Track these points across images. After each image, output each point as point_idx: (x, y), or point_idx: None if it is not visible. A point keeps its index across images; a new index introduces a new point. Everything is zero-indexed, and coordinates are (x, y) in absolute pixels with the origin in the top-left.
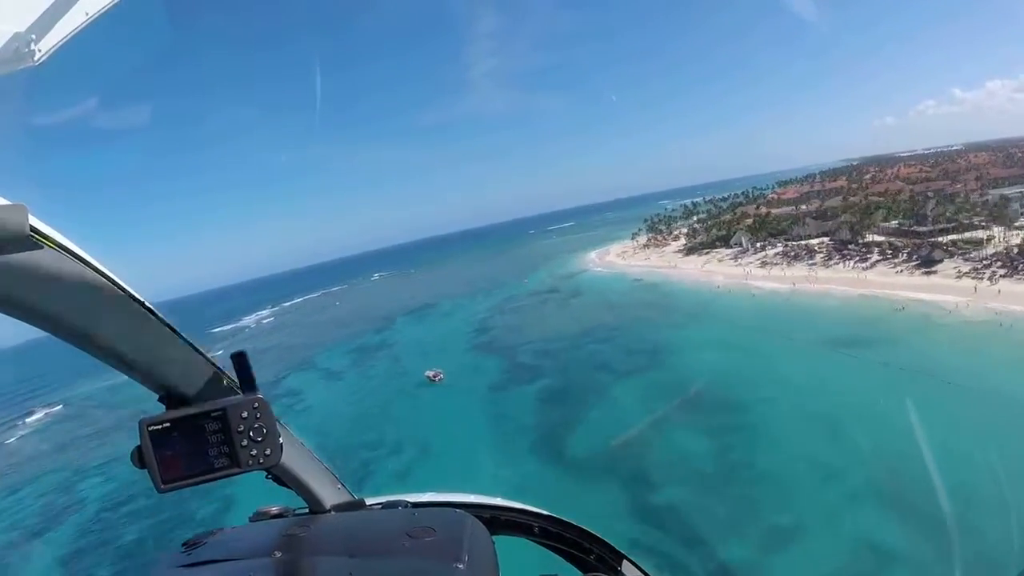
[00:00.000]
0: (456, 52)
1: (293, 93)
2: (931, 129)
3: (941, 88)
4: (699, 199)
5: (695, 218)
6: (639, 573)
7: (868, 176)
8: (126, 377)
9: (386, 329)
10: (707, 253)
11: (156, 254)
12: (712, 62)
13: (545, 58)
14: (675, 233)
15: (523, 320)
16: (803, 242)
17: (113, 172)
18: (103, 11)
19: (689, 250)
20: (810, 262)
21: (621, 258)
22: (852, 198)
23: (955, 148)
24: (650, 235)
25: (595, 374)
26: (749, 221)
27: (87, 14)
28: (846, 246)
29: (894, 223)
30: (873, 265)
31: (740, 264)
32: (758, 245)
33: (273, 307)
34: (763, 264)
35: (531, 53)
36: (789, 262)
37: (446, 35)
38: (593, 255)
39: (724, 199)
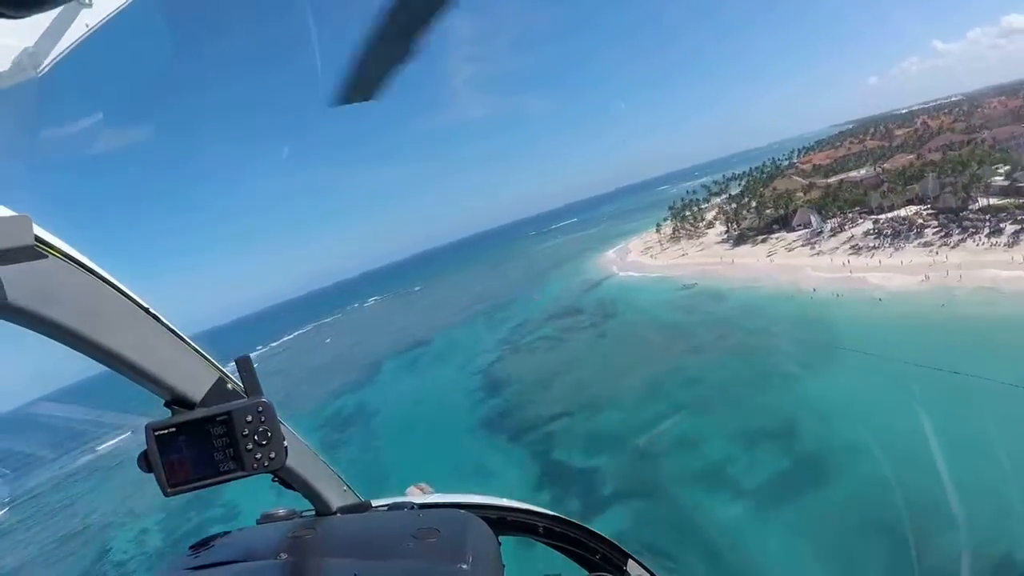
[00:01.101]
0: (434, 64)
1: (278, 120)
2: (917, 86)
3: (923, 43)
4: (705, 179)
5: (719, 199)
6: (644, 572)
7: (900, 132)
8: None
9: (367, 384)
10: (765, 240)
11: (149, 284)
12: (690, 42)
13: (523, 59)
14: (707, 219)
15: (545, 366)
16: (889, 215)
17: (113, 183)
18: (104, 22)
19: (738, 238)
20: (919, 241)
21: (649, 256)
22: (931, 154)
23: (955, 99)
24: (677, 223)
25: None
26: (805, 195)
27: (87, 26)
28: (957, 215)
29: (999, 180)
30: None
31: (820, 251)
32: (832, 224)
33: (262, 348)
34: (854, 249)
35: (509, 55)
36: (890, 243)
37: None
38: (611, 254)
39: (742, 175)
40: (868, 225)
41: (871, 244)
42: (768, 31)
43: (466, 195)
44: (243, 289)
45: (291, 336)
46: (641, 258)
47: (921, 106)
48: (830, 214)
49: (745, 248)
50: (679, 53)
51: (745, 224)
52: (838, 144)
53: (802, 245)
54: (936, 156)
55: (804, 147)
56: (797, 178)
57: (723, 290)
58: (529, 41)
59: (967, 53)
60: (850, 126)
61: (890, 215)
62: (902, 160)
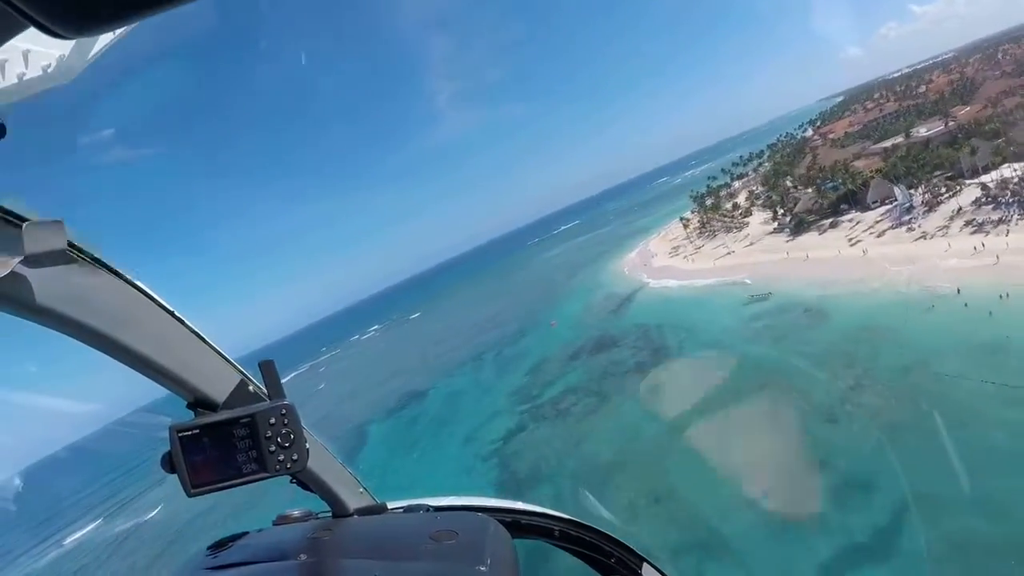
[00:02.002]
0: (415, 87)
1: (274, 159)
2: (898, 50)
3: (899, 8)
4: (707, 165)
5: (737, 183)
6: None
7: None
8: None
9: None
10: (835, 225)
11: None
12: (668, 39)
13: (502, 68)
14: (740, 206)
15: (584, 450)
16: (991, 177)
17: (133, 189)
18: (133, 29)
19: (796, 226)
20: None
21: (682, 257)
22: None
23: (947, 55)
24: (705, 214)
25: None
26: (863, 164)
27: (114, 33)
28: None
29: None
30: None
31: (924, 232)
32: (925, 197)
33: None
34: (974, 226)
35: (486, 67)
36: (1019, 213)
37: (402, 72)
38: (633, 257)
39: (752, 157)
40: (973, 193)
41: (992, 217)
42: (743, 18)
43: (461, 211)
44: (239, 326)
45: (285, 379)
46: (672, 260)
47: (910, 68)
48: (914, 183)
49: (811, 238)
50: (658, 50)
51: (800, 207)
52: (847, 112)
53: (893, 227)
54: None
55: (810, 120)
56: (827, 148)
57: (813, 300)
58: (506, 50)
59: (944, 12)
60: (840, 97)
61: (991, 177)
62: (971, 112)
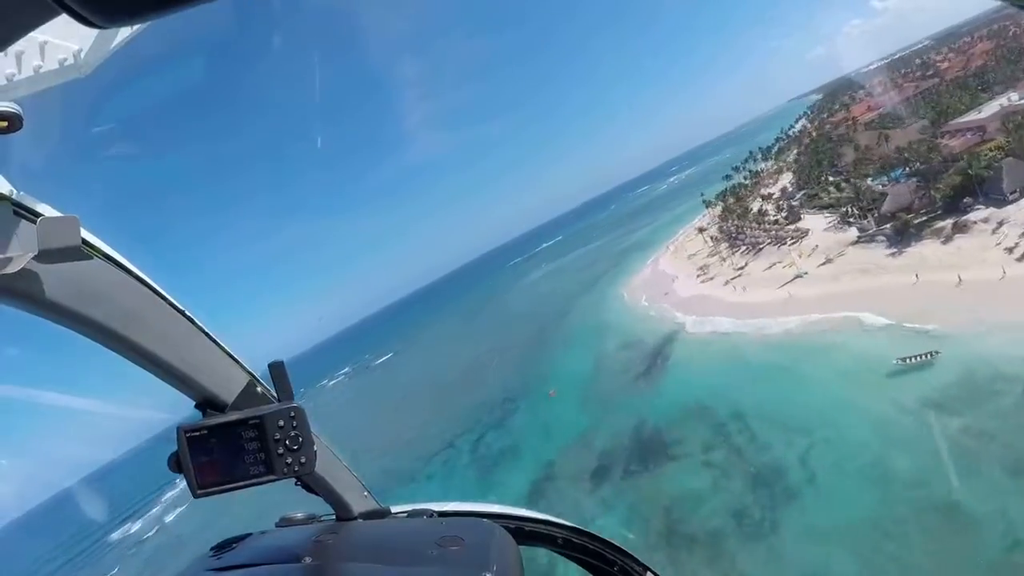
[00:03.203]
0: (386, 110)
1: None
2: (863, 46)
3: (862, 4)
4: (691, 170)
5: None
6: None
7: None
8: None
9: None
10: (965, 229)
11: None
12: (631, 51)
13: (470, 89)
14: (788, 207)
15: None
16: None
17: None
18: (150, 25)
19: (898, 231)
20: None
21: (722, 282)
22: None
23: (923, 44)
24: (736, 222)
25: None
26: (956, 141)
27: (132, 27)
28: None
29: None
30: None
31: None
32: None
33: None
34: None
35: (455, 88)
36: None
37: (370, 96)
38: (643, 281)
39: (769, 149)
40: None
41: None
42: (707, 25)
43: (433, 233)
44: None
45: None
46: (707, 287)
47: (882, 61)
48: None
49: (931, 248)
50: (626, 62)
51: (889, 205)
52: (846, 101)
53: None
54: None
55: (805, 113)
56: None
57: None
58: (473, 68)
59: (908, 5)
60: (818, 95)
61: None
62: None
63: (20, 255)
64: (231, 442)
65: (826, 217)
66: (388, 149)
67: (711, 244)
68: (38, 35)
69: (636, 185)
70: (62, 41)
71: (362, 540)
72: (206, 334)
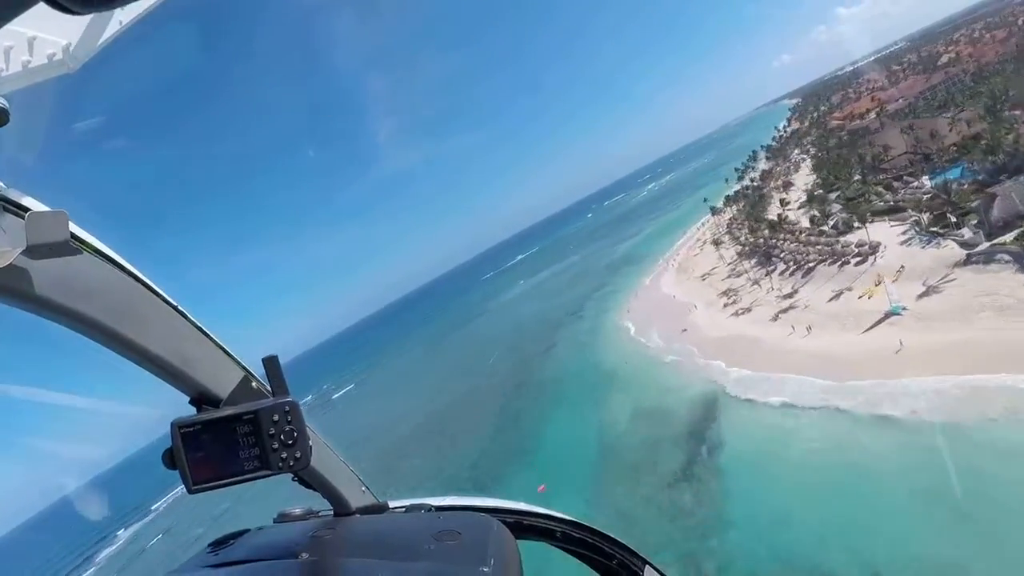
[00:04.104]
0: (355, 124)
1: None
2: (830, 53)
3: (826, 12)
4: (670, 176)
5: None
6: None
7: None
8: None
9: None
10: None
11: None
12: (602, 64)
13: (443, 99)
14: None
15: None
16: None
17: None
18: (137, 20)
19: None
20: None
21: (772, 320)
22: None
23: (897, 47)
24: (764, 235)
25: None
26: None
27: (121, 23)
28: None
29: None
30: None
31: None
32: None
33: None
34: None
35: (427, 100)
36: None
37: (339, 114)
38: (643, 308)
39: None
40: None
41: None
42: (676, 38)
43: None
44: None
45: (110, 549)
46: (740, 321)
47: (853, 66)
48: None
49: None
50: (595, 74)
51: (1001, 210)
52: (850, 96)
53: None
54: None
55: (788, 117)
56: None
57: None
58: (441, 82)
59: (871, 11)
60: (794, 99)
61: None
62: None
63: (8, 250)
64: (226, 437)
65: (892, 226)
66: (356, 163)
67: (728, 259)
68: (26, 30)
69: (610, 193)
70: (50, 36)
71: (360, 535)
72: (199, 328)
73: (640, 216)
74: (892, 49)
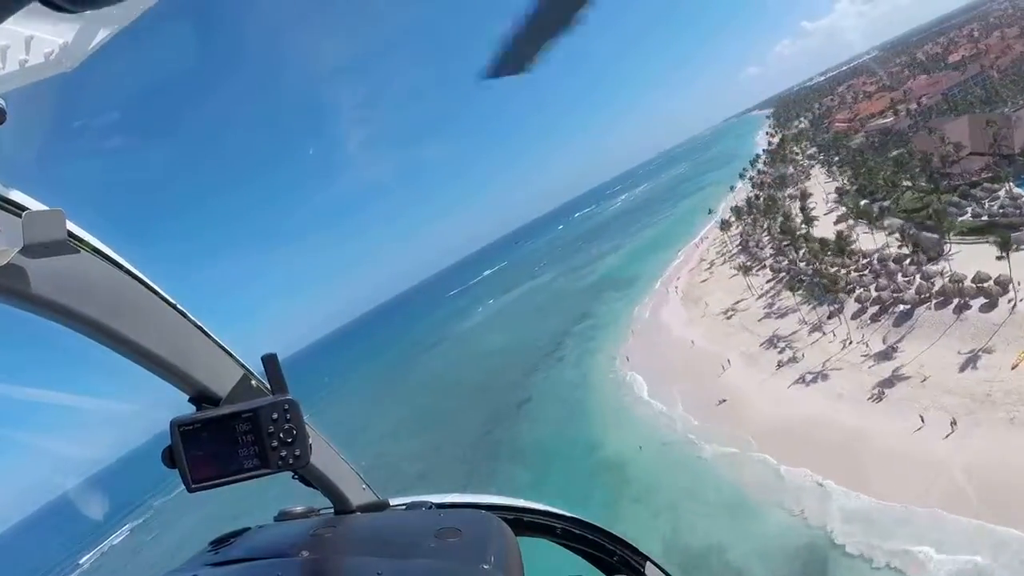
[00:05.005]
0: (325, 136)
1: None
2: (796, 65)
3: (791, 25)
4: (642, 187)
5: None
6: (662, 575)
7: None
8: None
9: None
10: None
11: None
12: (574, 72)
13: (407, 110)
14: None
15: None
16: None
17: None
18: (134, 19)
19: None
20: None
21: (870, 399)
22: None
23: (869, 55)
24: (812, 262)
25: None
26: None
27: (118, 22)
28: None
29: None
30: None
31: None
32: None
33: None
34: None
35: (399, 109)
36: None
37: (310, 123)
38: (646, 352)
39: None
40: None
41: None
42: (637, 51)
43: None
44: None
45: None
46: (818, 394)
47: (822, 76)
48: None
49: None
50: (562, 84)
51: None
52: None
53: None
54: None
55: (769, 122)
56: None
57: None
58: (410, 93)
59: (836, 25)
60: (765, 109)
61: None
62: None
63: (5, 250)
64: (225, 436)
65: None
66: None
67: (757, 287)
68: (23, 29)
69: (580, 205)
70: (47, 35)
71: (361, 533)
72: (198, 327)
73: (615, 230)
74: (865, 57)
